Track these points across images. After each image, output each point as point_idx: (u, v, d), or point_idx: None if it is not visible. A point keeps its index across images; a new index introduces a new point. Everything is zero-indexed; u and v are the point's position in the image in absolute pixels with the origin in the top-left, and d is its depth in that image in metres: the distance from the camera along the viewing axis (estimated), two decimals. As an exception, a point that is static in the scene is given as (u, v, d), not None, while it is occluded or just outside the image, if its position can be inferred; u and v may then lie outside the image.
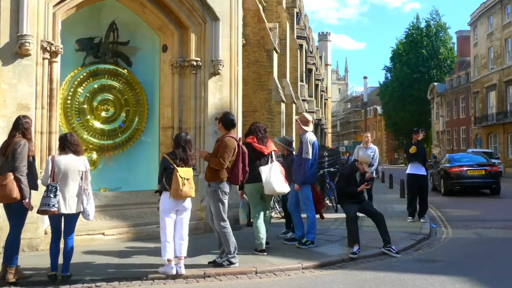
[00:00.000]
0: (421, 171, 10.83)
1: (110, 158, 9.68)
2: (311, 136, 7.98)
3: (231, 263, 6.52)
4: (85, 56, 9.35)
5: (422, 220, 10.53)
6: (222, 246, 6.68)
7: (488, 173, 17.90)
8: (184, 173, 6.12)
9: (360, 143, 11.93)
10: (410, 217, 10.75)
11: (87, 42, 9.37)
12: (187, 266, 6.30)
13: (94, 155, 9.37)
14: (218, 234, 6.68)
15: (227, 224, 6.57)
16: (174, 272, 6.12)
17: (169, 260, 6.13)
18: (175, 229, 6.29)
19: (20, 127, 5.92)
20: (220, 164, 6.48)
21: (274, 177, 7.26)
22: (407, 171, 11.07)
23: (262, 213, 7.47)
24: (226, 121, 6.77)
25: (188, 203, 6.34)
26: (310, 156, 7.81)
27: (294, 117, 22.56)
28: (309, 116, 8.30)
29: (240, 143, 6.84)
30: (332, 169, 14.14)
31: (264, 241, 7.32)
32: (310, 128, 8.10)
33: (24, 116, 6.17)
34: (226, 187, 6.60)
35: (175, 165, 6.13)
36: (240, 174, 6.70)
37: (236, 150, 6.64)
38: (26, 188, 5.73)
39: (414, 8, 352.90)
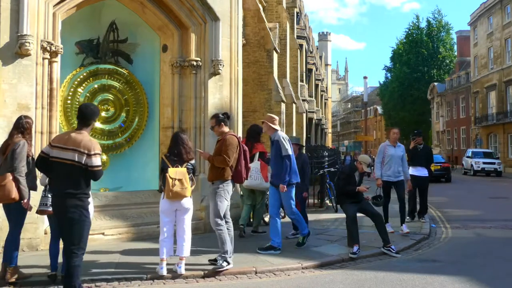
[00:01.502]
0: (422, 172, 10.77)
1: (113, 157, 9.71)
2: (283, 134, 7.69)
3: (228, 263, 6.46)
4: (84, 58, 9.35)
5: (422, 220, 10.52)
6: None
7: (442, 167, 25.86)
8: (175, 173, 6.09)
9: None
10: (409, 217, 10.68)
11: (86, 44, 9.37)
12: (187, 266, 6.31)
13: (104, 156, 9.41)
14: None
15: (223, 223, 6.53)
16: (163, 273, 6.11)
17: (162, 260, 6.16)
18: (177, 229, 6.31)
19: (20, 126, 5.92)
20: (226, 161, 6.48)
21: (254, 174, 8.47)
22: (409, 173, 10.89)
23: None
24: (217, 116, 6.85)
25: (188, 203, 6.30)
26: (291, 152, 7.41)
27: (294, 117, 22.59)
28: (274, 116, 7.86)
29: (241, 141, 6.91)
30: (332, 169, 14.15)
31: (242, 222, 8.76)
32: (278, 126, 7.68)
33: (26, 116, 6.16)
34: (229, 187, 6.63)
35: (170, 165, 6.14)
36: (243, 171, 6.78)
37: (238, 148, 6.67)
38: (24, 188, 5.72)
39: (413, 9, 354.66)
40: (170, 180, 6.03)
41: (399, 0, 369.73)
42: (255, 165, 8.58)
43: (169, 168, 6.10)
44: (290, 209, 7.67)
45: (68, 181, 4.84)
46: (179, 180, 6.08)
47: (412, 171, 10.82)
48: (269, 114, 8.11)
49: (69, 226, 4.89)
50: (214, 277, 6.27)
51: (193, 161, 6.44)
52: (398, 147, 9.67)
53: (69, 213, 4.83)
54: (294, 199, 7.67)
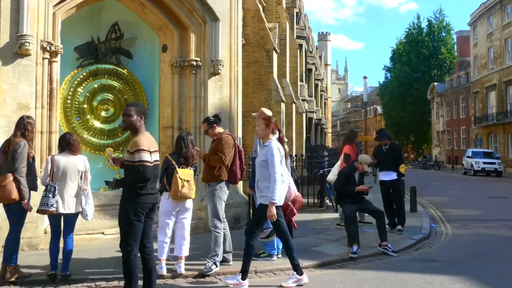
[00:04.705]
0: (390, 176, 9.61)
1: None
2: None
3: (216, 266, 6.35)
4: (82, 60, 9.32)
5: (398, 227, 9.39)
6: (225, 244, 6.62)
7: None
8: (184, 174, 6.08)
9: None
10: (389, 227, 9.12)
11: (85, 48, 9.33)
12: (187, 266, 6.31)
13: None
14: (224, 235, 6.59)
15: (222, 225, 6.46)
16: (163, 273, 6.12)
17: (161, 260, 6.16)
18: (177, 228, 6.30)
19: (22, 127, 5.93)
20: (222, 160, 6.41)
21: (335, 170, 9.52)
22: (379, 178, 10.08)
23: None
24: (207, 119, 6.79)
25: (189, 204, 6.34)
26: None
27: (294, 117, 22.57)
28: (268, 111, 6.40)
29: (236, 141, 6.83)
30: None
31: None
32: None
33: (28, 116, 6.17)
34: (225, 187, 6.58)
35: (176, 166, 6.12)
36: (238, 172, 6.69)
37: (233, 147, 6.62)
38: (25, 189, 5.73)
39: (411, 9, 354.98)
40: (180, 181, 5.99)
41: (397, 1, 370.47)
42: (338, 163, 9.81)
43: (178, 169, 6.07)
44: None
45: (157, 179, 5.16)
46: (188, 181, 6.08)
47: (380, 176, 9.99)
48: (266, 111, 6.38)
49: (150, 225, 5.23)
50: (214, 276, 6.26)
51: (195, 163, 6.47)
52: (268, 146, 5.72)
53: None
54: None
